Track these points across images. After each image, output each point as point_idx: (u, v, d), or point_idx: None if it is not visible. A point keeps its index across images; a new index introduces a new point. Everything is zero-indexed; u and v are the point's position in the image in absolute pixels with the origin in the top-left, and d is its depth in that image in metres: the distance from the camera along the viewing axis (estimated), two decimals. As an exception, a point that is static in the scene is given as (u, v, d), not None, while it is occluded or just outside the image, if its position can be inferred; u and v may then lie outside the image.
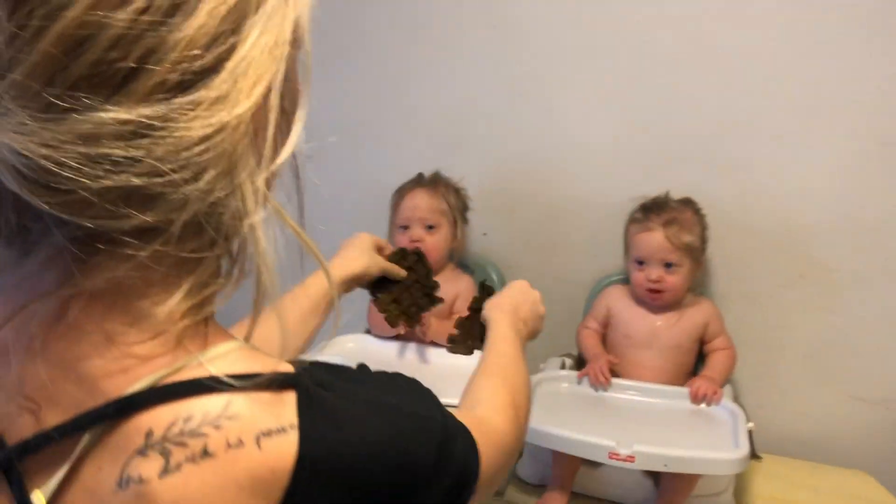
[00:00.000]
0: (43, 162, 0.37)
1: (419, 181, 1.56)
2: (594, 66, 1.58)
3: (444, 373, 1.25)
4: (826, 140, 1.47)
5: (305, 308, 0.90)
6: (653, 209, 1.46)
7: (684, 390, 1.38)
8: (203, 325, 0.45)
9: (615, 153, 1.60)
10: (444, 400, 0.56)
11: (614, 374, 1.44)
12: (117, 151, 0.38)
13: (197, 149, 0.39)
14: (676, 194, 1.52)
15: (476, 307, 1.19)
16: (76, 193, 0.38)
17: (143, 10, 0.37)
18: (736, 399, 1.42)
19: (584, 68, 1.59)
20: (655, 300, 1.46)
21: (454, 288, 1.54)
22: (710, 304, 1.52)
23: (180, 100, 0.39)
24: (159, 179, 0.39)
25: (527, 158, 1.66)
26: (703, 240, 1.48)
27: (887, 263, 1.49)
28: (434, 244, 1.51)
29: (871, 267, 1.50)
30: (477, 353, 1.14)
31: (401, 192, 1.56)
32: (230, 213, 0.42)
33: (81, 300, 0.42)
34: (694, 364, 1.51)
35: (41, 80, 0.37)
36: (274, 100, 0.43)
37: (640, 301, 1.51)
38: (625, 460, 1.16)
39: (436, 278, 1.41)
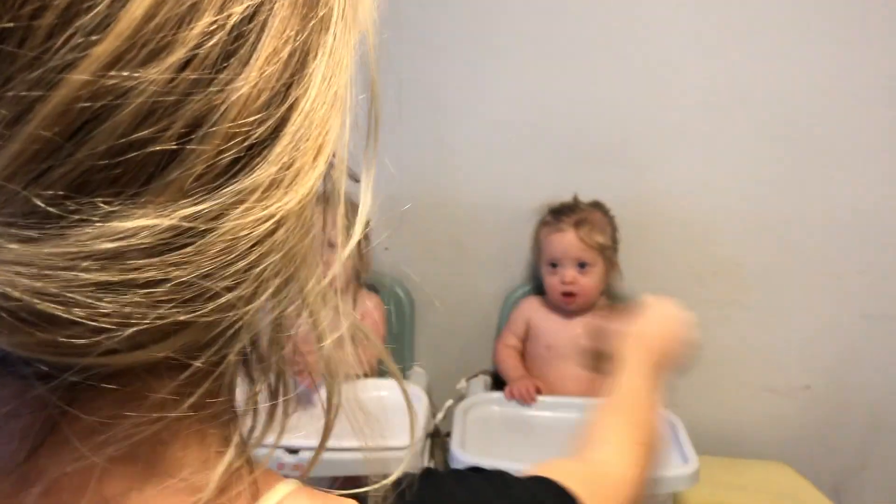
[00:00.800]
0: (37, 303, 0.24)
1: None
2: (494, 68, 1.49)
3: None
4: (727, 136, 1.48)
5: None
6: (563, 211, 1.44)
7: None
8: (247, 466, 0.33)
9: (519, 158, 1.52)
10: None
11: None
12: (148, 274, 0.25)
13: (256, 253, 0.28)
14: (584, 198, 1.48)
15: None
16: (82, 335, 0.25)
17: (185, 65, 0.25)
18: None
19: (485, 70, 1.49)
20: (570, 303, 1.42)
21: (359, 309, 1.41)
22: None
23: (233, 187, 0.27)
24: (208, 307, 0.27)
25: (426, 166, 1.54)
26: (615, 241, 1.46)
27: (792, 257, 1.51)
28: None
29: (777, 260, 1.52)
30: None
31: None
32: (285, 334, 0.32)
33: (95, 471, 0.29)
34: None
35: (28, 179, 0.24)
36: (341, 166, 0.32)
37: (556, 309, 1.45)
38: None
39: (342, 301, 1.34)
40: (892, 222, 1.50)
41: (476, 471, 0.45)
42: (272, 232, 0.28)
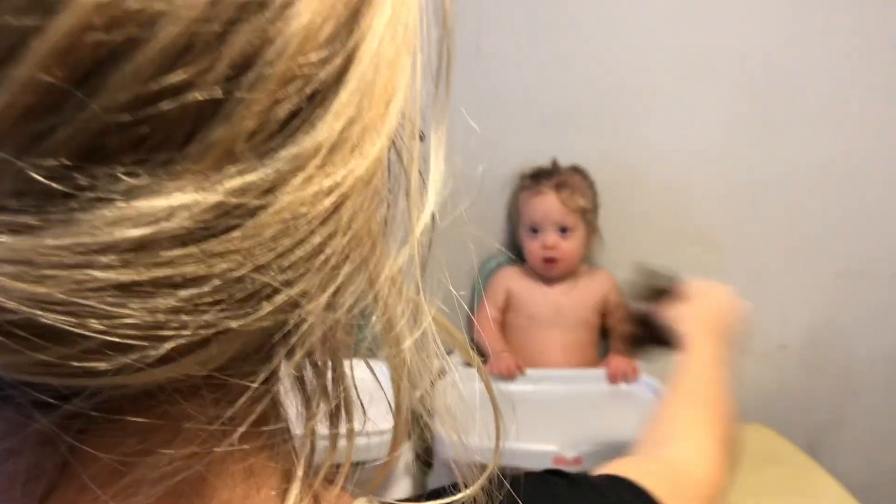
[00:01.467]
0: (39, 315, 0.18)
1: None
2: (463, 28, 1.42)
3: None
4: (706, 99, 1.44)
5: None
6: (543, 175, 1.39)
7: (600, 372, 1.30)
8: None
9: (492, 122, 1.46)
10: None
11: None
12: (187, 269, 0.19)
13: (320, 235, 0.21)
14: (561, 162, 1.43)
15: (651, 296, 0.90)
16: (100, 355, 0.19)
17: None
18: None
19: (459, 34, 1.42)
20: (551, 269, 1.37)
21: None
22: (606, 273, 1.44)
23: (290, 150, 0.20)
24: (264, 309, 0.20)
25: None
26: (595, 205, 1.42)
27: (766, 217, 1.50)
28: None
29: (752, 222, 1.50)
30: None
31: None
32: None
33: None
34: (598, 338, 1.43)
35: (22, 144, 0.17)
36: (412, 122, 0.25)
37: (537, 277, 1.41)
38: (572, 464, 1.04)
39: None
40: (864, 180, 1.50)
41: (555, 474, 0.40)
42: (337, 207, 0.21)
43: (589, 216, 1.38)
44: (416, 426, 0.85)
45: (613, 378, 1.28)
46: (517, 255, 1.44)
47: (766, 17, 1.41)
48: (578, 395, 1.26)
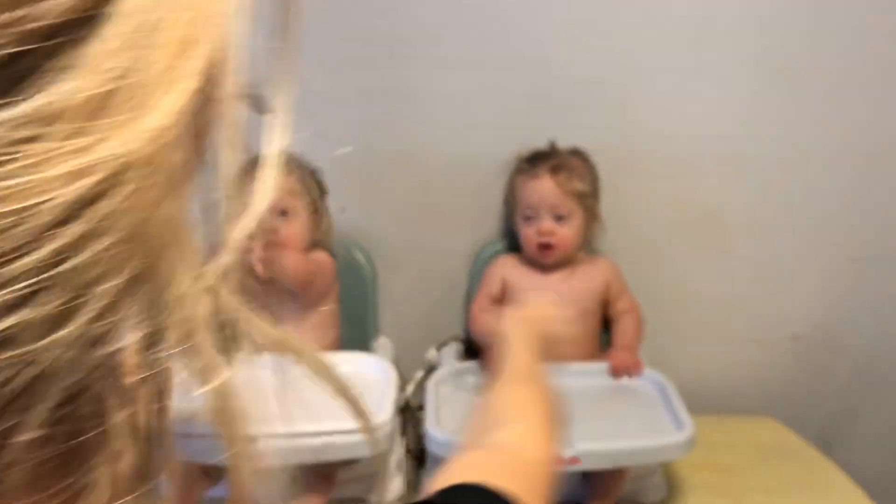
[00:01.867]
0: None
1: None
2: (461, 4, 1.34)
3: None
4: (712, 73, 1.35)
5: None
6: (539, 157, 1.31)
7: (602, 365, 1.23)
8: None
9: (486, 104, 1.38)
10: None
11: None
12: None
13: (68, 233, 0.15)
14: (561, 144, 1.35)
15: None
16: None
17: None
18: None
19: (451, 7, 1.33)
20: (546, 256, 1.30)
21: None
22: (607, 261, 1.37)
23: (12, 112, 0.14)
24: None
25: (382, 116, 1.38)
26: (595, 189, 1.34)
27: (776, 201, 1.42)
28: (293, 232, 1.23)
29: (762, 205, 1.42)
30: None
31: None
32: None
33: None
34: (600, 330, 1.36)
35: None
36: (233, 80, 0.18)
37: (534, 265, 1.33)
38: (570, 463, 0.97)
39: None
40: (879, 161, 1.41)
41: None
42: (100, 194, 0.15)
43: (588, 201, 1.30)
44: (409, 422, 0.78)
45: (616, 372, 1.22)
46: (514, 243, 1.37)
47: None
48: (578, 389, 1.19)
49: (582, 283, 1.32)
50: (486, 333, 1.31)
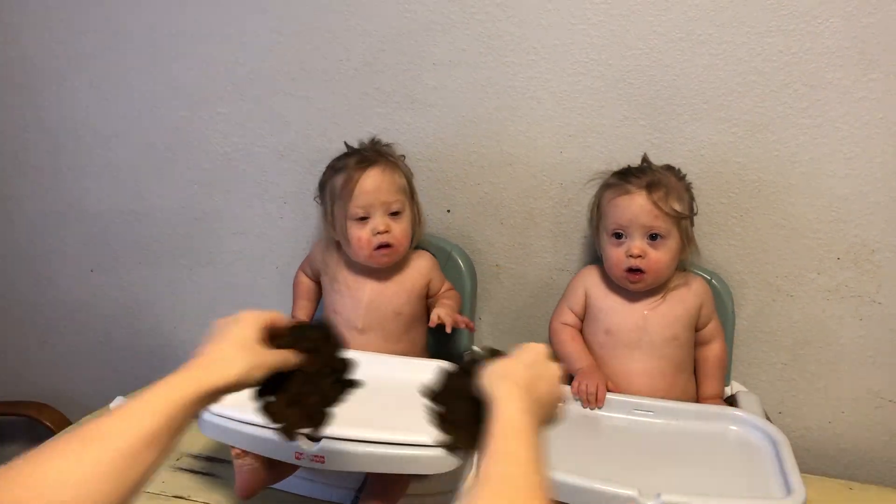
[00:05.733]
0: None
1: (367, 156, 1.23)
2: (567, 11, 1.26)
3: (408, 392, 1.00)
4: (874, 92, 1.18)
5: (130, 443, 0.58)
6: (631, 172, 1.21)
7: (700, 408, 1.11)
8: None
9: (602, 110, 1.29)
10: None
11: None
12: None
13: None
14: (683, 158, 1.24)
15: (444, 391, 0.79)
16: None
17: None
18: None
19: (564, 6, 1.26)
20: (635, 282, 1.19)
21: (421, 271, 1.31)
22: (701, 281, 1.26)
23: None
24: None
25: (492, 117, 1.33)
26: (692, 211, 1.22)
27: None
28: (402, 232, 1.21)
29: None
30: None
31: (347, 173, 1.21)
32: None
33: None
34: (692, 359, 1.25)
35: None
36: None
37: (619, 288, 1.24)
38: (649, 513, 0.87)
39: (401, 267, 1.29)
40: None
41: None
42: None
43: (684, 223, 1.19)
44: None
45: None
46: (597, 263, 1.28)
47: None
48: (665, 430, 1.09)
49: (672, 308, 1.22)
50: (565, 351, 1.22)
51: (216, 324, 0.74)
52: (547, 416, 0.71)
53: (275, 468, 1.03)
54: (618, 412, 1.12)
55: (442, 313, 1.22)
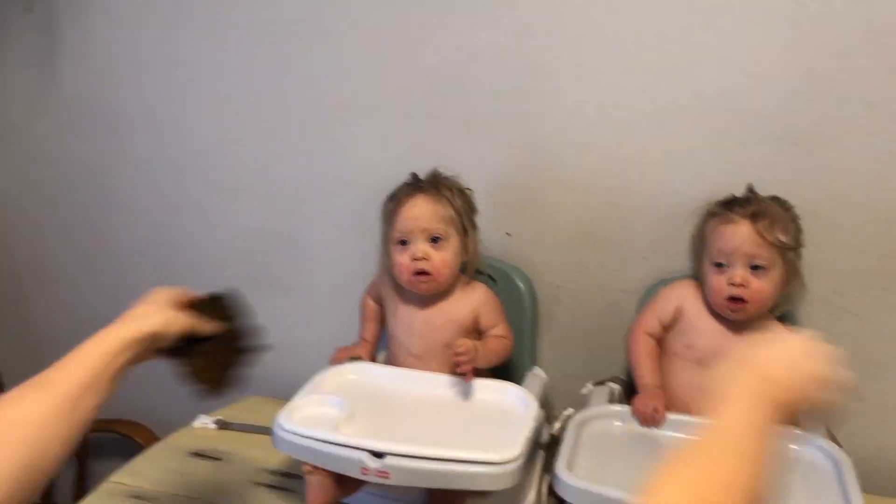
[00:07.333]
0: None
1: (417, 185, 1.28)
2: (640, 22, 1.27)
3: (471, 412, 1.14)
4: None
5: (72, 389, 0.74)
6: (736, 202, 1.19)
7: None
8: None
9: (669, 132, 1.29)
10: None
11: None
12: None
13: None
14: (749, 179, 1.22)
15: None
16: None
17: None
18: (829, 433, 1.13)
19: (627, 22, 1.26)
20: (736, 311, 1.16)
21: (469, 303, 1.29)
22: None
23: None
24: None
25: (556, 141, 1.35)
26: (798, 243, 1.18)
27: None
28: (442, 260, 1.24)
29: None
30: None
31: (396, 200, 1.27)
32: None
33: None
34: None
35: None
36: None
37: (715, 313, 1.21)
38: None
39: (447, 297, 1.29)
40: None
41: None
42: None
43: (790, 255, 1.15)
44: (552, 458, 0.73)
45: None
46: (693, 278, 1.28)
47: None
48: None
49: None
50: (638, 363, 1.23)
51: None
52: (798, 399, 0.64)
53: (344, 484, 1.08)
54: (679, 431, 1.11)
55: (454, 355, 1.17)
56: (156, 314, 0.86)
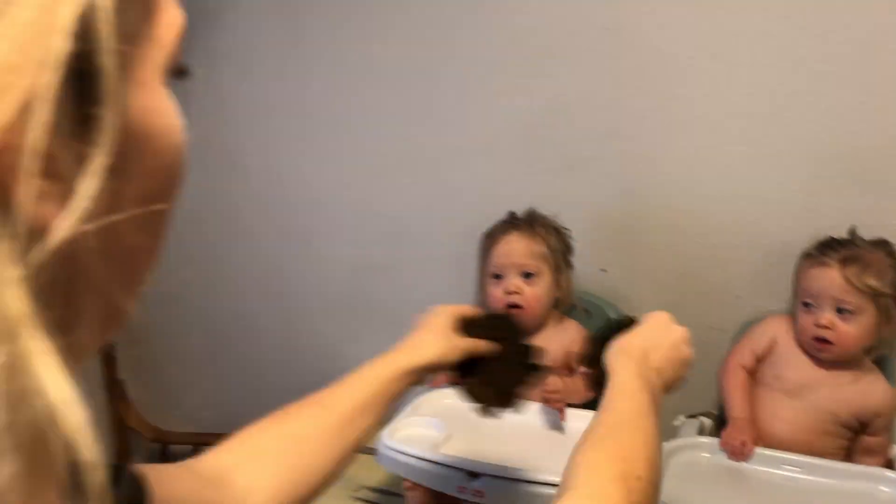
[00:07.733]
0: None
1: (513, 222, 1.35)
2: (740, 68, 1.32)
3: (563, 437, 1.17)
4: None
5: (348, 409, 0.72)
6: (832, 245, 1.21)
7: (849, 467, 1.11)
8: None
9: (764, 176, 1.33)
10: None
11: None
12: None
13: None
14: (853, 222, 1.24)
15: (594, 356, 0.88)
16: None
17: None
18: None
19: (724, 67, 1.32)
20: (821, 351, 1.19)
21: (561, 340, 1.33)
22: (889, 389, 1.22)
23: None
24: None
25: (652, 181, 1.41)
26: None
27: None
28: (534, 295, 1.30)
29: None
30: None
31: (492, 237, 1.35)
32: None
33: None
34: (844, 452, 1.22)
35: None
36: (37, 127, 0.20)
37: (805, 349, 1.24)
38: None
39: (540, 332, 1.29)
40: None
41: None
42: None
43: (882, 300, 1.15)
44: None
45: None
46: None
47: None
48: (812, 488, 1.09)
49: (855, 397, 1.19)
50: (729, 394, 1.25)
51: (417, 317, 0.88)
52: (669, 380, 0.73)
53: (442, 501, 1.15)
54: (766, 466, 1.13)
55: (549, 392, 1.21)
56: (434, 345, 0.83)
